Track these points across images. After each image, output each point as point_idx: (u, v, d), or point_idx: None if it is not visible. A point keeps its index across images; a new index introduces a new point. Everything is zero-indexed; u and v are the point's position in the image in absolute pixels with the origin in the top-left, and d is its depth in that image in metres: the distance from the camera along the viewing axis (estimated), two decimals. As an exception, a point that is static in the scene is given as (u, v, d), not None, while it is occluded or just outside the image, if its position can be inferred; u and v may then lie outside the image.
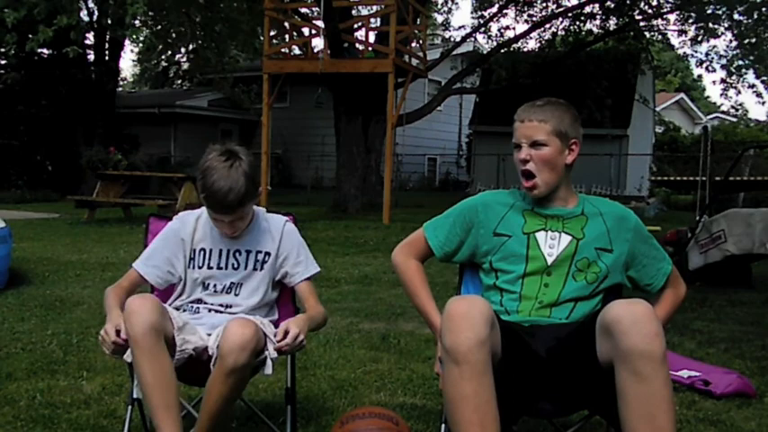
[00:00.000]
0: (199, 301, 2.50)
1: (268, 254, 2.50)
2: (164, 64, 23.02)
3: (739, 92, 31.42)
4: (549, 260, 2.23)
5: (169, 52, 19.98)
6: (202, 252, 2.50)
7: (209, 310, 2.48)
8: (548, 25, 16.64)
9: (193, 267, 2.50)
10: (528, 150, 2.24)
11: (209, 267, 2.49)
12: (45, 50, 17.76)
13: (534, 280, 2.23)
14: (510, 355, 2.02)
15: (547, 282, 2.22)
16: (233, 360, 2.12)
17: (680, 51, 18.12)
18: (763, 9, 13.61)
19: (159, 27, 15.80)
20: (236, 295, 2.48)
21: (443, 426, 2.21)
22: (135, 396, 2.34)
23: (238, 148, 2.40)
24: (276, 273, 2.55)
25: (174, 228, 2.55)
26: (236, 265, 2.48)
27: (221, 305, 2.47)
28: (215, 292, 2.48)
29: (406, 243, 2.48)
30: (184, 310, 2.48)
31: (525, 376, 2.04)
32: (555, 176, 2.25)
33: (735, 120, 30.80)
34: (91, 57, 18.73)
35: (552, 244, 2.25)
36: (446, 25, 19.34)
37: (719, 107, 36.47)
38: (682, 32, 16.11)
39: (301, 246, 2.58)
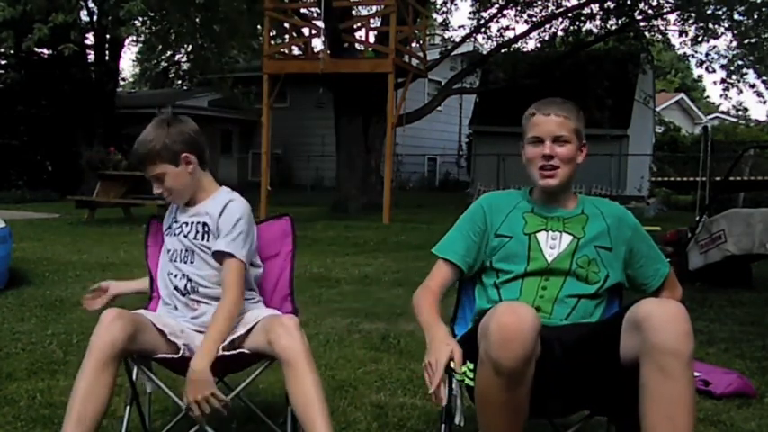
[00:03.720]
0: (169, 272, 2.53)
1: (206, 224, 2.47)
2: (164, 64, 22.98)
3: (740, 92, 31.47)
4: (550, 259, 2.24)
5: (169, 52, 19.97)
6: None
7: (178, 292, 2.50)
8: (548, 25, 16.65)
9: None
10: (551, 146, 2.23)
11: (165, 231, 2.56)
12: (45, 50, 17.76)
13: (534, 280, 2.24)
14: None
15: (548, 276, 2.23)
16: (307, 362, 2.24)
17: (680, 51, 18.17)
18: (763, 9, 13.62)
19: (159, 27, 15.79)
20: (190, 263, 2.48)
21: (443, 426, 2.21)
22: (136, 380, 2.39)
23: (184, 118, 2.53)
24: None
25: None
26: (179, 232, 2.50)
27: (183, 275, 2.48)
28: (172, 260, 2.51)
29: (424, 283, 2.38)
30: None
31: (540, 377, 2.03)
32: (571, 173, 2.28)
33: (735, 120, 30.82)
34: (91, 57, 18.73)
35: (553, 244, 2.26)
36: (446, 25, 19.35)
37: (719, 107, 36.52)
38: (682, 33, 16.14)
39: (239, 225, 2.43)
